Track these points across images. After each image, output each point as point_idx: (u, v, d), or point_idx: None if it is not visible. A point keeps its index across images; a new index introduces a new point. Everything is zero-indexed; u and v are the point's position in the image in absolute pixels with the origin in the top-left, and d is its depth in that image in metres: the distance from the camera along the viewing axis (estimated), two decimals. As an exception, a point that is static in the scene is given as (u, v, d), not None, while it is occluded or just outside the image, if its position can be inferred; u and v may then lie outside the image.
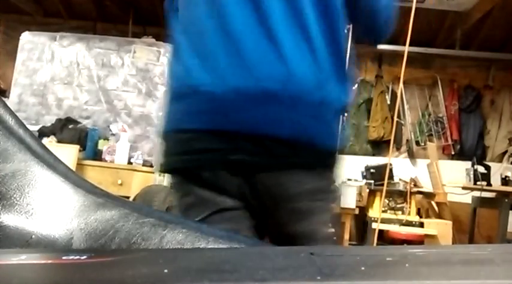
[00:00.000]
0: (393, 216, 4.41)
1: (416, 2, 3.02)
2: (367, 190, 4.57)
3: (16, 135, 0.54)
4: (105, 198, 0.55)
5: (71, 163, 3.34)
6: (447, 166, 5.20)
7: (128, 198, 3.03)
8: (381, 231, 4.23)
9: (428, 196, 4.77)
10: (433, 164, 4.77)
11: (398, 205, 4.49)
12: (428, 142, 5.56)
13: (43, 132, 3.69)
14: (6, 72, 5.44)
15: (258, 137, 0.93)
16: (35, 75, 4.05)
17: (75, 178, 0.57)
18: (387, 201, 4.46)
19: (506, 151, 5.64)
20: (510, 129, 5.75)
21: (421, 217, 4.64)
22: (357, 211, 4.27)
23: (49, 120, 3.89)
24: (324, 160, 1.02)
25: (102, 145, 3.68)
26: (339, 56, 1.07)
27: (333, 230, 1.01)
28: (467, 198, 4.72)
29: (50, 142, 3.53)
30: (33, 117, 3.98)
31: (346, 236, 4.19)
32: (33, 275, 0.35)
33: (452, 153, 5.78)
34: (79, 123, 3.84)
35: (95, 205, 0.54)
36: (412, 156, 5.75)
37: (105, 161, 3.58)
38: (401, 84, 4.10)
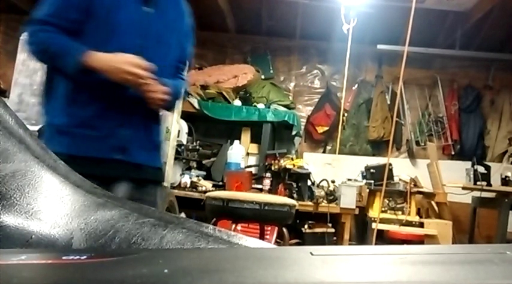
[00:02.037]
0: (393, 216, 4.41)
1: (416, 2, 3.02)
2: (367, 190, 4.57)
3: (16, 135, 0.54)
4: (105, 198, 0.55)
5: (71, 163, 3.34)
6: (447, 166, 5.20)
7: (128, 198, 3.02)
8: (381, 231, 4.23)
9: (428, 196, 4.76)
10: (433, 164, 4.77)
11: (398, 205, 4.49)
12: (428, 142, 5.56)
13: (43, 132, 3.69)
14: (6, 72, 5.44)
15: None
16: (35, 75, 4.04)
17: (75, 178, 0.57)
18: (387, 201, 4.45)
19: (506, 151, 5.64)
20: (510, 129, 5.75)
21: (421, 217, 4.64)
22: (357, 211, 4.27)
23: (49, 120, 3.89)
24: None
25: (102, 145, 3.68)
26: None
27: None
28: (467, 198, 4.71)
29: (50, 142, 3.53)
30: (33, 117, 3.97)
31: (346, 236, 4.20)
32: (33, 275, 0.35)
33: (452, 153, 5.78)
34: (79, 123, 3.84)
35: (95, 205, 0.54)
36: (412, 156, 5.75)
37: (105, 161, 3.57)
38: (400, 84, 4.10)
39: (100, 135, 1.45)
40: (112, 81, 1.42)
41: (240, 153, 4.64)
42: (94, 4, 1.46)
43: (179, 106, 4.25)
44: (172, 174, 4.22)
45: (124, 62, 1.40)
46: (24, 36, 1.50)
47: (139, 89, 1.45)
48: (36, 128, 3.69)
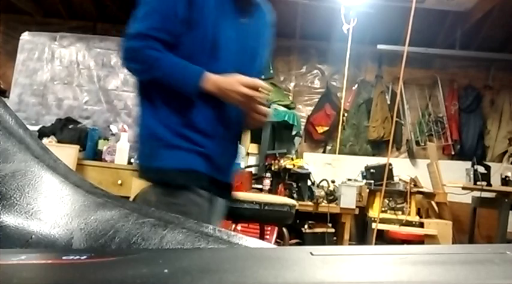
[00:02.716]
0: (393, 216, 4.41)
1: (416, 2, 3.02)
2: (367, 190, 4.57)
3: (16, 135, 0.54)
4: (105, 198, 0.55)
5: (71, 163, 3.34)
6: (447, 166, 5.20)
7: (128, 198, 3.02)
8: (381, 231, 4.23)
9: (428, 196, 4.76)
10: (433, 164, 4.77)
11: (398, 205, 4.49)
12: (428, 142, 5.56)
13: (43, 132, 3.69)
14: (6, 72, 5.44)
15: None
16: (35, 75, 4.04)
17: (75, 178, 0.57)
18: (387, 201, 4.46)
19: (506, 151, 5.64)
20: (510, 129, 5.75)
21: (421, 217, 4.64)
22: (357, 211, 4.27)
23: (49, 120, 3.89)
24: None
25: (102, 145, 3.68)
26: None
27: None
28: (467, 198, 4.72)
29: (50, 142, 3.53)
30: (33, 117, 3.97)
31: (346, 236, 4.20)
32: (33, 275, 0.35)
33: (452, 153, 5.78)
34: (79, 123, 3.84)
35: (95, 205, 0.54)
36: (412, 156, 5.75)
37: (105, 161, 3.57)
38: (400, 84, 4.10)
39: (205, 153, 1.38)
40: (220, 101, 1.36)
41: (240, 153, 4.65)
42: (196, 16, 1.36)
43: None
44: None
45: (240, 83, 1.34)
46: (121, 52, 1.38)
47: (249, 111, 1.40)
48: (36, 128, 3.70)
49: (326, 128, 5.80)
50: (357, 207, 4.23)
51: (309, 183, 4.31)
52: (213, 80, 1.34)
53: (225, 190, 1.51)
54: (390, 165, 4.31)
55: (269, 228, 3.28)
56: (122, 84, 3.95)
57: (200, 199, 1.36)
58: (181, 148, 1.36)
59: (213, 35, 1.38)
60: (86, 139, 3.67)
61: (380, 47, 5.56)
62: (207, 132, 1.39)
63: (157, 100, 1.40)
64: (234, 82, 1.34)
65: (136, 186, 3.40)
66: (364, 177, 4.72)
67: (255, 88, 1.35)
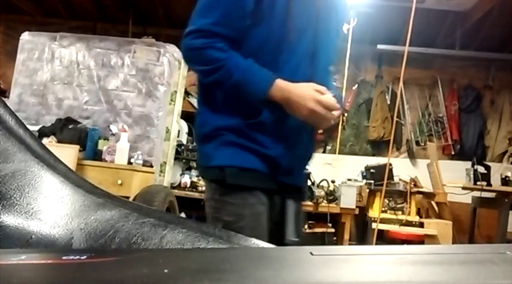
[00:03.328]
0: (393, 216, 4.41)
1: (416, 2, 3.02)
2: (367, 190, 4.57)
3: (16, 135, 0.54)
4: (105, 198, 0.55)
5: (71, 163, 3.34)
6: (447, 166, 5.20)
7: (128, 198, 3.03)
8: (381, 231, 4.23)
9: (428, 196, 4.76)
10: (433, 164, 4.77)
11: (398, 205, 4.49)
12: (428, 142, 5.56)
13: (43, 132, 3.69)
14: (6, 72, 5.44)
15: None
16: (35, 75, 4.04)
17: (75, 178, 0.57)
18: (387, 201, 4.46)
19: (506, 151, 5.64)
20: (510, 129, 5.75)
21: (421, 217, 4.64)
22: (357, 211, 4.27)
23: (49, 120, 3.88)
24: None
25: (102, 145, 3.67)
26: None
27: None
28: (467, 198, 4.72)
29: (50, 142, 3.52)
30: (33, 117, 3.97)
31: (346, 236, 4.20)
32: (33, 275, 0.35)
33: (452, 153, 5.78)
34: (79, 123, 3.83)
35: (95, 205, 0.54)
36: (412, 156, 5.75)
37: (105, 161, 3.57)
38: (401, 84, 4.11)
39: (270, 155, 1.28)
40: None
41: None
42: (266, 9, 1.22)
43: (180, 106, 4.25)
44: (173, 174, 4.22)
45: (314, 100, 1.18)
46: (182, 50, 1.27)
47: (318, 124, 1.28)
48: (36, 128, 3.70)
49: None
50: (357, 207, 4.23)
51: (309, 183, 4.31)
52: (283, 89, 1.20)
53: (294, 193, 1.39)
54: (390, 165, 4.31)
55: (269, 228, 3.27)
56: (122, 84, 3.95)
57: (256, 200, 1.27)
58: (243, 147, 1.26)
59: (283, 29, 1.24)
60: (86, 139, 3.67)
61: (380, 47, 5.56)
62: (274, 134, 1.28)
63: (220, 98, 1.29)
64: (308, 97, 1.19)
65: (136, 186, 3.40)
66: (364, 177, 4.72)
67: (329, 109, 1.20)
